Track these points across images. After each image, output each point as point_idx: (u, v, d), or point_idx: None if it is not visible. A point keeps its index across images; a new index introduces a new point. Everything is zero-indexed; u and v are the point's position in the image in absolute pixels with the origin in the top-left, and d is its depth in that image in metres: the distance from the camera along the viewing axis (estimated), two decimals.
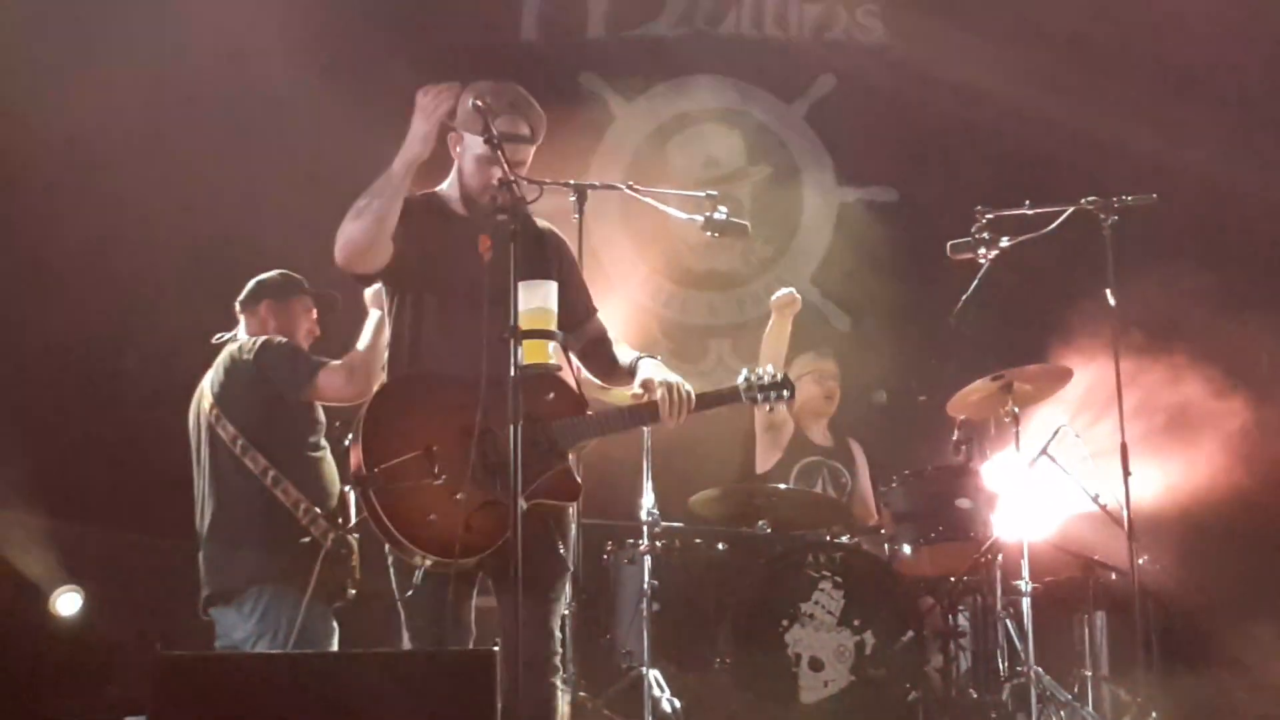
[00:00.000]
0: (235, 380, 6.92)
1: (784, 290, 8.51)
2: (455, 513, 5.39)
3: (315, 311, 7.40)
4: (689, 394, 5.78)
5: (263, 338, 7.03)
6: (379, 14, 9.79)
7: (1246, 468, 8.78)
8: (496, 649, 4.91)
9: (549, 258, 5.81)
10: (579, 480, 5.66)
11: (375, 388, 6.02)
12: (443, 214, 5.79)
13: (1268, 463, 8.68)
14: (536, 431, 5.48)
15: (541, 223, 5.95)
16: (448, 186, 5.90)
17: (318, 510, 6.73)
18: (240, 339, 7.12)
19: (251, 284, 7.30)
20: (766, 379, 5.97)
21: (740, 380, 6.00)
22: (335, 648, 6.73)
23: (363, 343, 6.72)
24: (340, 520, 6.76)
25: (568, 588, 5.91)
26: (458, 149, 5.83)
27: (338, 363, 6.84)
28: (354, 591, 6.80)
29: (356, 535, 6.69)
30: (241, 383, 6.91)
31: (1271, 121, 9.26)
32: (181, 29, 9.38)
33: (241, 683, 4.66)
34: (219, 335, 7.22)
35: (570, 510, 5.88)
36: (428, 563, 5.51)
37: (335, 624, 6.83)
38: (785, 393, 6.06)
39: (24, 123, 8.81)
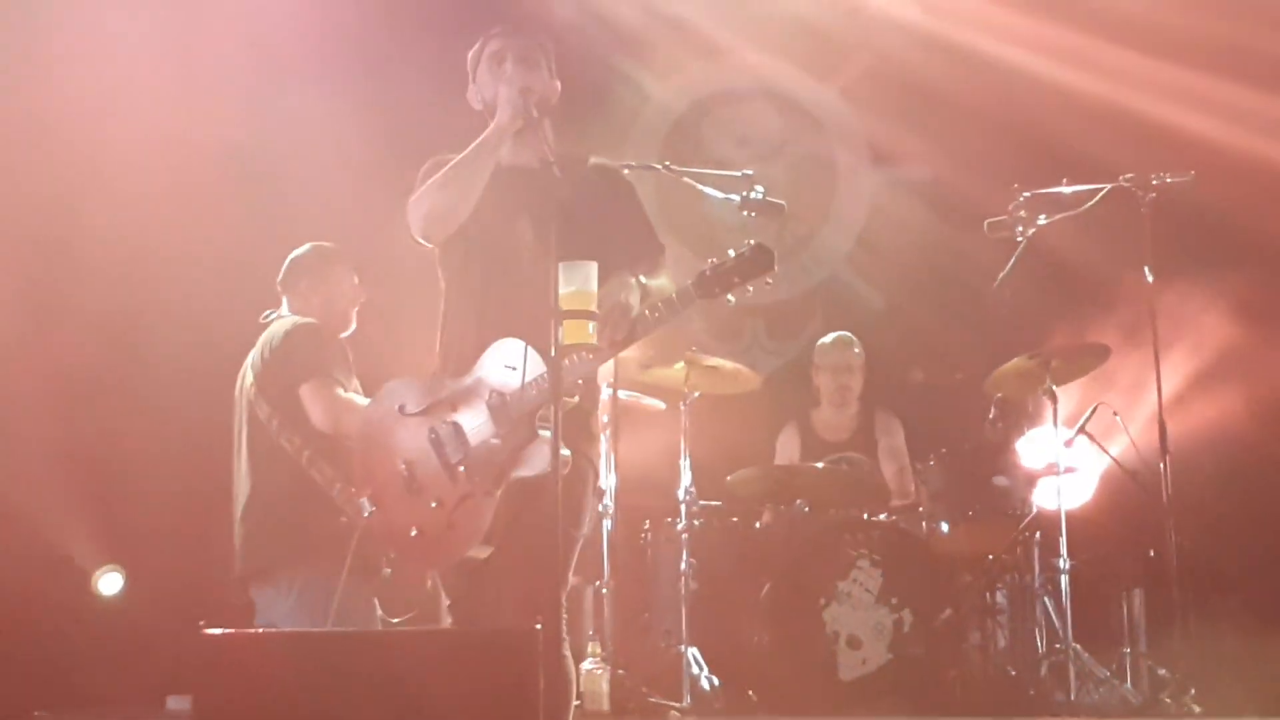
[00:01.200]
0: (271, 360, 6.95)
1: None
2: (437, 518, 5.41)
3: (357, 277, 7.42)
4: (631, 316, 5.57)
5: (295, 321, 7.07)
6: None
7: None
8: (539, 626, 4.92)
9: (600, 206, 5.69)
10: (554, 447, 5.16)
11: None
12: (503, 186, 5.69)
13: None
14: (493, 408, 5.42)
15: (594, 159, 5.85)
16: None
17: (353, 489, 6.64)
18: (285, 316, 7.16)
19: (287, 262, 7.33)
20: (729, 260, 5.46)
21: (691, 279, 5.52)
22: (377, 625, 6.72)
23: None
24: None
25: (573, 561, 5.81)
26: (479, 100, 5.77)
27: (332, 391, 6.90)
28: (389, 570, 6.76)
29: None
30: (276, 363, 6.94)
31: None
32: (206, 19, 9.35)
33: (285, 661, 4.62)
34: (267, 313, 7.24)
35: (583, 483, 5.69)
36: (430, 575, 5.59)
37: (375, 601, 6.81)
38: (762, 273, 5.46)
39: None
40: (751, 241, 5.48)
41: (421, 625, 6.25)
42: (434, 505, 5.40)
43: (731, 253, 5.46)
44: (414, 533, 5.45)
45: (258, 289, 7.37)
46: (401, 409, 5.61)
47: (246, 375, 7.13)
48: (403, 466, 5.48)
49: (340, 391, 6.90)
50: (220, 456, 7.11)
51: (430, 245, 5.69)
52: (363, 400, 6.87)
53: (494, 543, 5.38)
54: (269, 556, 6.80)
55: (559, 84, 5.75)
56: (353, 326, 7.39)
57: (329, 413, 6.83)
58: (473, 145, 5.58)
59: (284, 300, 7.27)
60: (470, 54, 5.79)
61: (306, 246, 7.37)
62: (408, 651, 4.69)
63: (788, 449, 8.98)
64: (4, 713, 7.74)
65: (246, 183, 9.19)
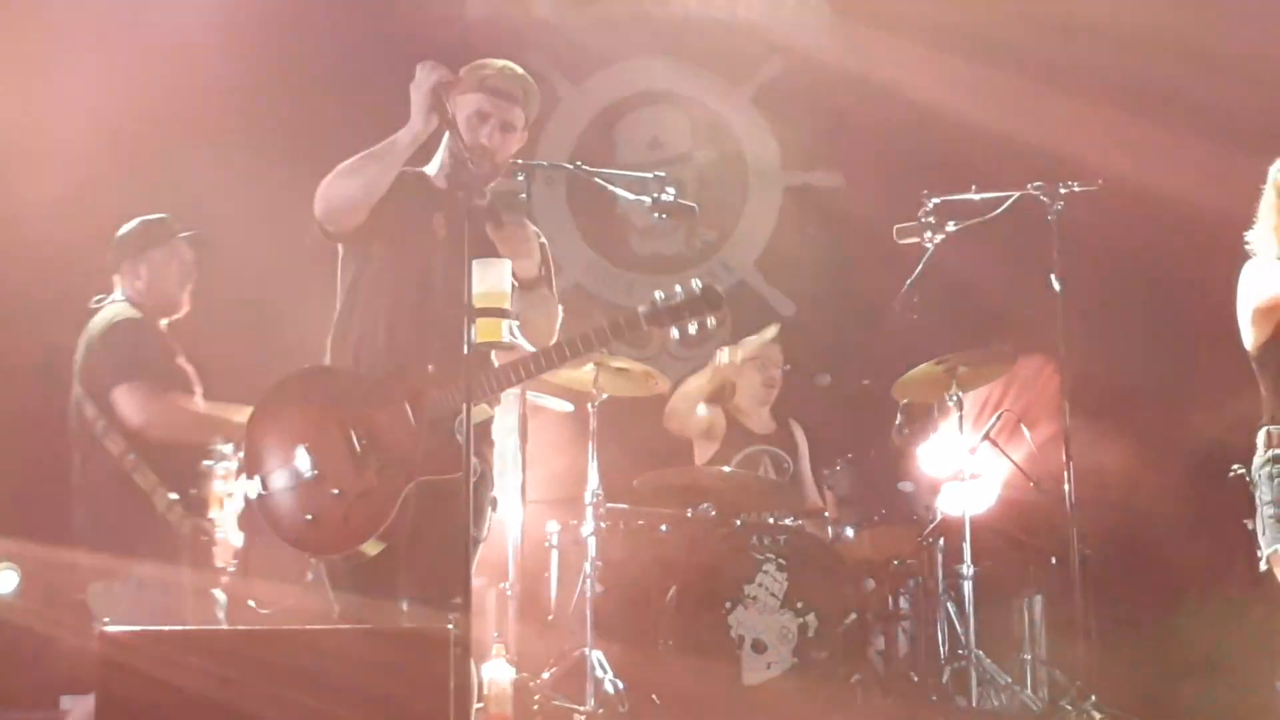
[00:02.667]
0: (89, 359, 6.83)
1: (721, 353, 8.53)
2: (333, 507, 5.43)
3: (190, 253, 7.12)
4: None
5: (111, 318, 6.86)
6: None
7: (1180, 455, 8.85)
8: (451, 628, 4.90)
9: (508, 228, 5.72)
10: (462, 449, 5.21)
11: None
12: (419, 189, 5.74)
13: (1200, 449, 8.73)
14: (414, 407, 5.44)
15: (509, 186, 5.91)
16: (433, 166, 5.84)
17: (174, 496, 6.59)
18: (110, 304, 6.96)
19: (112, 242, 7.10)
20: (680, 297, 5.60)
21: (643, 307, 5.66)
22: (224, 624, 6.65)
23: (202, 404, 6.82)
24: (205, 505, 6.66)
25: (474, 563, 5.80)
26: (451, 114, 5.71)
27: (147, 393, 6.70)
28: (233, 568, 6.71)
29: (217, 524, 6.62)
30: (93, 363, 6.81)
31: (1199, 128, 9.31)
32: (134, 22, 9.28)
33: (188, 658, 4.55)
34: (97, 298, 7.03)
35: (485, 487, 5.75)
36: (317, 563, 5.65)
37: (223, 598, 6.76)
38: (710, 314, 5.63)
39: None
40: (699, 284, 5.65)
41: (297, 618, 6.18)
42: (335, 493, 5.41)
43: (679, 289, 5.62)
44: (308, 518, 5.45)
45: None
46: (307, 396, 5.61)
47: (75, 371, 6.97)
48: (305, 453, 5.46)
49: (159, 392, 6.74)
50: None
51: (331, 231, 5.69)
52: (197, 399, 6.90)
53: (386, 540, 5.39)
54: (106, 552, 6.64)
55: (522, 138, 5.87)
56: (183, 309, 7.13)
57: (143, 414, 6.66)
58: (386, 141, 5.58)
59: (115, 283, 7.05)
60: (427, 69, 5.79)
61: (133, 222, 7.11)
62: (315, 650, 4.66)
63: (698, 444, 8.95)
64: None
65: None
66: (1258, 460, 6.07)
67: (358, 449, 5.43)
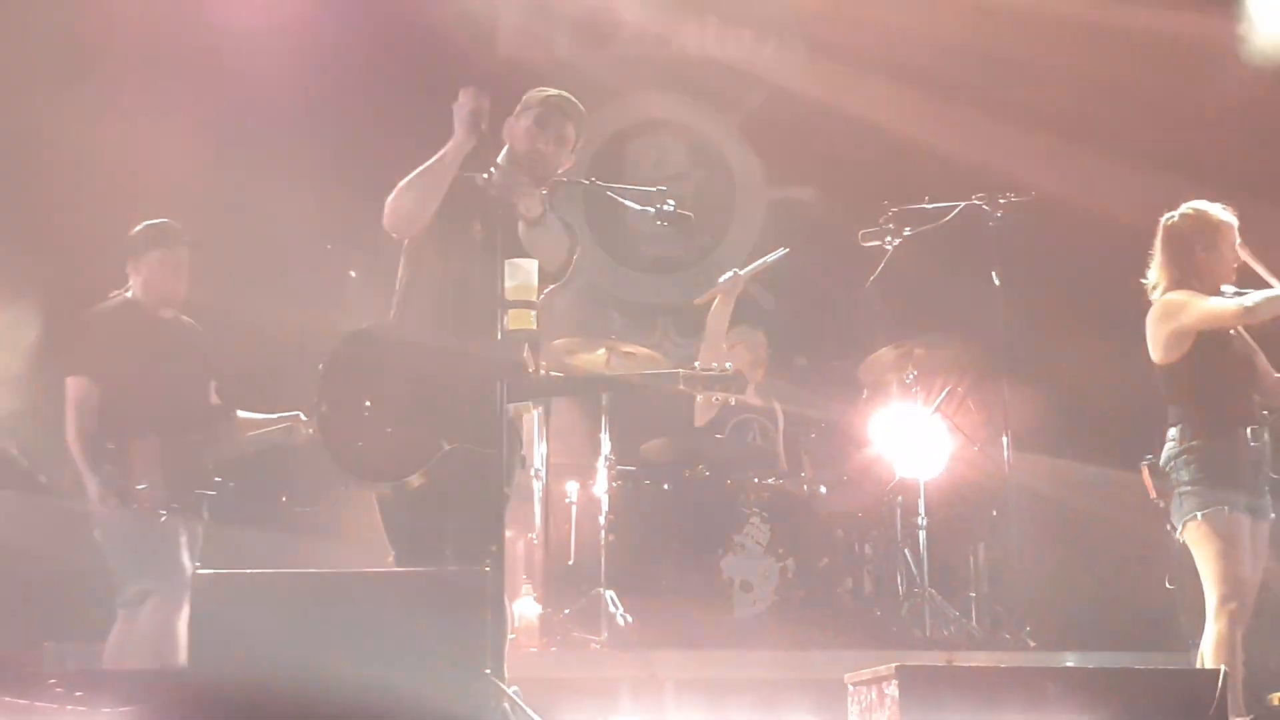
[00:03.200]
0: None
1: (729, 273, 8.51)
2: (382, 441, 5.40)
3: (186, 254, 6.89)
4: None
5: (88, 313, 6.83)
6: (367, 37, 9.63)
7: (1100, 424, 8.82)
8: (488, 568, 4.92)
9: (537, 231, 5.68)
10: (500, 418, 5.36)
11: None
12: (465, 195, 5.68)
13: (1117, 421, 8.70)
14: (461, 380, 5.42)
15: (537, 197, 5.91)
16: (486, 173, 5.77)
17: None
18: (117, 296, 6.86)
19: (124, 242, 6.93)
20: (715, 372, 5.71)
21: (684, 372, 5.72)
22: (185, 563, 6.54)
23: None
24: None
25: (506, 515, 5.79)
26: (507, 131, 5.82)
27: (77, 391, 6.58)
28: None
29: None
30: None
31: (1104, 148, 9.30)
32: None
33: (271, 599, 4.59)
34: (114, 293, 6.88)
35: (513, 452, 5.72)
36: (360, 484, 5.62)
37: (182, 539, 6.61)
38: (738, 390, 5.86)
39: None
40: (730, 366, 5.77)
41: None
42: (388, 430, 5.40)
43: (715, 366, 5.75)
44: (360, 444, 5.44)
45: None
46: (376, 349, 5.57)
47: None
48: (367, 393, 5.46)
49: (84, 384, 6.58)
50: None
51: (398, 237, 5.66)
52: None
53: (427, 479, 5.38)
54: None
55: (570, 157, 5.93)
56: (179, 301, 6.89)
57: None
58: (435, 157, 5.59)
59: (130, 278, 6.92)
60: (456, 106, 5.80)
61: (143, 225, 6.91)
62: (369, 589, 4.68)
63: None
64: None
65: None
66: (1171, 450, 6.07)
67: (412, 401, 5.44)
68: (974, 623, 8.24)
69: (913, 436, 8.28)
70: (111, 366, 6.57)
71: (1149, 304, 6.35)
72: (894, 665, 5.29)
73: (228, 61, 9.21)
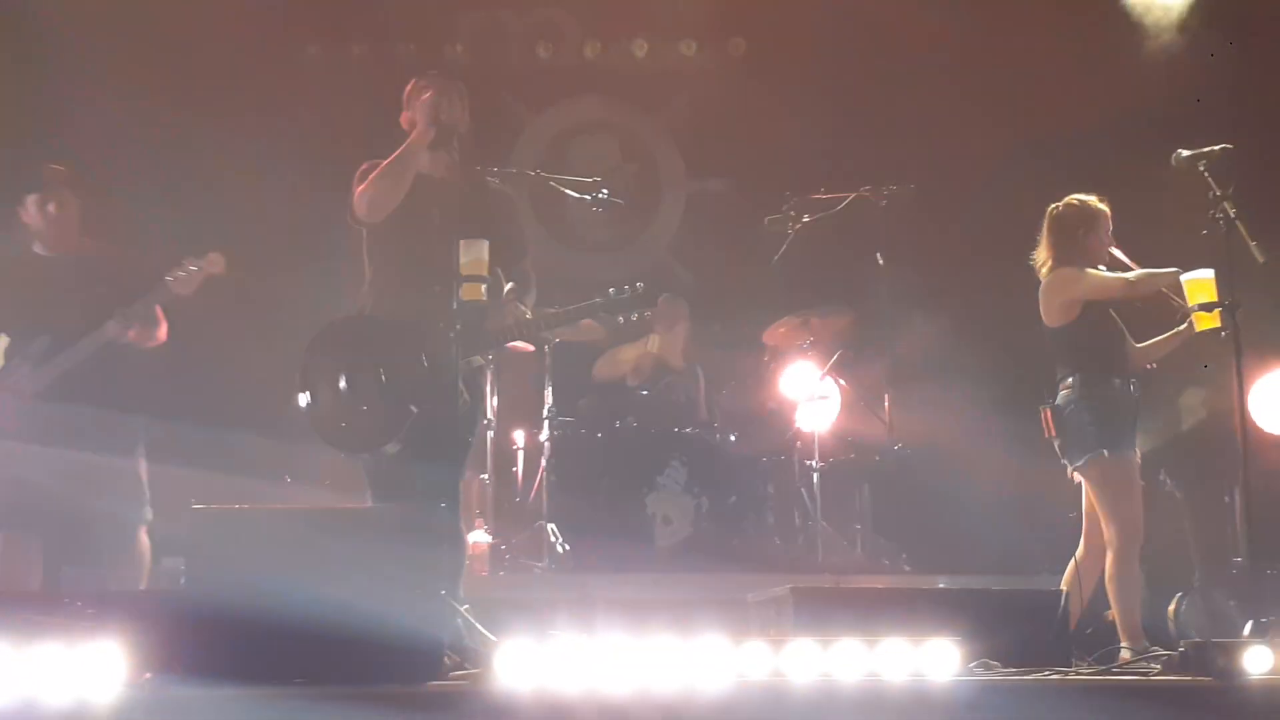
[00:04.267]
0: None
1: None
2: (361, 418, 5.41)
3: (51, 204, 6.32)
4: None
5: None
6: (350, 53, 9.53)
7: (971, 380, 8.87)
8: (444, 505, 4.95)
9: (490, 210, 5.71)
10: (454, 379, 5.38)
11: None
12: (420, 186, 5.62)
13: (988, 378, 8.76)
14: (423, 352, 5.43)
15: (492, 176, 5.91)
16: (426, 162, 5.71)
17: None
18: None
19: None
20: (626, 294, 5.64)
21: (599, 298, 5.67)
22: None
23: None
24: None
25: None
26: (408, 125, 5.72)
27: None
28: None
29: None
30: None
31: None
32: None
33: (259, 531, 4.54)
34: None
35: (473, 411, 5.76)
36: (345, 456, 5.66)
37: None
38: (645, 309, 5.72)
39: None
40: (639, 284, 5.62)
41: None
42: (363, 409, 5.40)
43: (627, 288, 5.59)
44: (343, 425, 5.46)
45: None
46: (348, 337, 5.56)
47: None
48: (344, 379, 5.43)
49: None
50: None
51: (369, 223, 5.59)
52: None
53: (402, 444, 5.39)
54: None
55: (466, 115, 5.72)
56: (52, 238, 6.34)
57: None
58: (399, 150, 5.58)
59: None
60: (406, 90, 5.76)
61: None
62: (345, 523, 4.68)
63: (618, 371, 8.94)
64: None
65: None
66: (1069, 397, 6.12)
67: (382, 379, 5.44)
68: (859, 551, 8.31)
69: (809, 393, 8.33)
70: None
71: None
72: (789, 587, 5.37)
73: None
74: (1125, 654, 5.84)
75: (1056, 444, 6.20)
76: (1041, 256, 6.29)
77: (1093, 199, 6.21)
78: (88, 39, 8.63)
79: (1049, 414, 6.19)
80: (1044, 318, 6.25)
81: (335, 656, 4.14)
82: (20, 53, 8.54)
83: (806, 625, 4.98)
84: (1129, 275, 6.05)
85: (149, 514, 6.27)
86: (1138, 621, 5.95)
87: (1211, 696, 4.35)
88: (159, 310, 6.33)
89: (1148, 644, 5.90)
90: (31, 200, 6.33)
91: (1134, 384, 6.15)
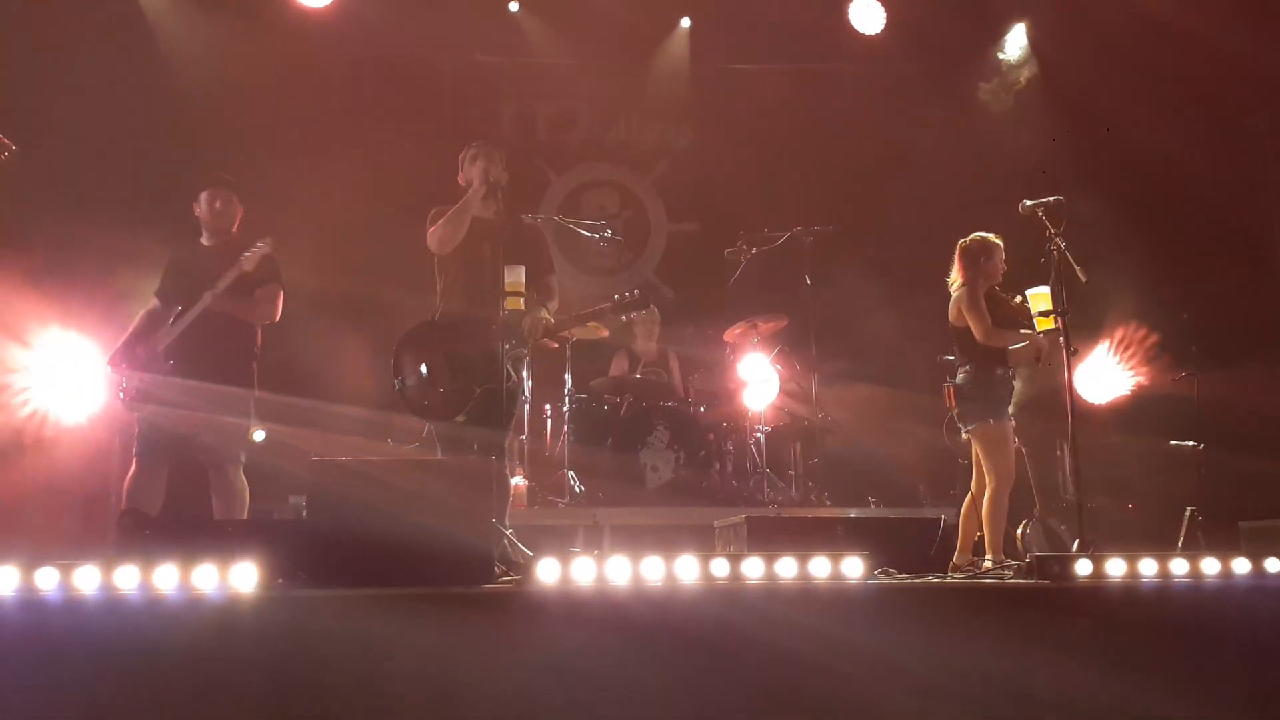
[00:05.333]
0: None
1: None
2: (438, 397, 5.44)
3: (218, 201, 6.09)
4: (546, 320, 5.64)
5: None
6: (390, 124, 9.30)
7: (877, 369, 8.88)
8: (494, 458, 4.95)
9: (526, 243, 5.72)
10: (501, 368, 5.39)
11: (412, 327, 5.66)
12: (475, 226, 5.63)
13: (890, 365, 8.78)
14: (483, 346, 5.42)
15: (527, 218, 5.94)
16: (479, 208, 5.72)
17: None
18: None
19: None
20: (628, 298, 5.71)
21: (608, 301, 5.74)
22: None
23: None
24: None
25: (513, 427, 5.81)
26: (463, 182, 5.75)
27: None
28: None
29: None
30: None
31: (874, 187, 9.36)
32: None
33: (359, 478, 4.46)
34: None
35: (517, 389, 5.71)
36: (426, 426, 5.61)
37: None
38: (641, 309, 5.85)
39: None
40: (637, 291, 5.70)
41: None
42: (440, 390, 5.41)
43: (632, 292, 5.67)
44: (426, 403, 5.47)
45: None
46: (428, 335, 5.57)
47: None
48: (424, 367, 5.45)
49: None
50: None
51: (438, 254, 5.62)
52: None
53: (467, 417, 5.39)
54: None
55: (507, 174, 5.73)
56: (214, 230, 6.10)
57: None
58: (460, 202, 5.59)
59: None
60: (460, 156, 5.77)
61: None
62: (425, 471, 4.66)
63: (620, 363, 8.95)
64: None
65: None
66: (966, 378, 6.13)
67: (452, 366, 5.44)
68: (793, 491, 8.33)
69: (757, 377, 8.33)
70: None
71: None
72: (744, 516, 5.38)
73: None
74: (987, 563, 5.85)
75: (954, 412, 6.20)
76: (954, 276, 6.27)
77: (991, 235, 6.19)
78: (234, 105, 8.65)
79: (951, 390, 6.21)
80: (951, 320, 6.24)
81: (415, 566, 4.15)
82: (179, 104, 8.54)
83: (757, 545, 4.99)
84: (992, 329, 6.01)
85: (243, 457, 5.97)
86: (1001, 541, 5.96)
87: (1049, 595, 4.37)
88: (279, 295, 6.04)
89: (1004, 557, 5.92)
90: (204, 195, 6.08)
91: (1011, 372, 6.16)
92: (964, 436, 6.21)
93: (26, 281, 6.72)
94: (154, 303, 6.08)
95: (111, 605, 3.87)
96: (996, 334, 6.00)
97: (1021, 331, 5.94)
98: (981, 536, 6.06)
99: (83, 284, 7.04)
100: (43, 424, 6.58)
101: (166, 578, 3.96)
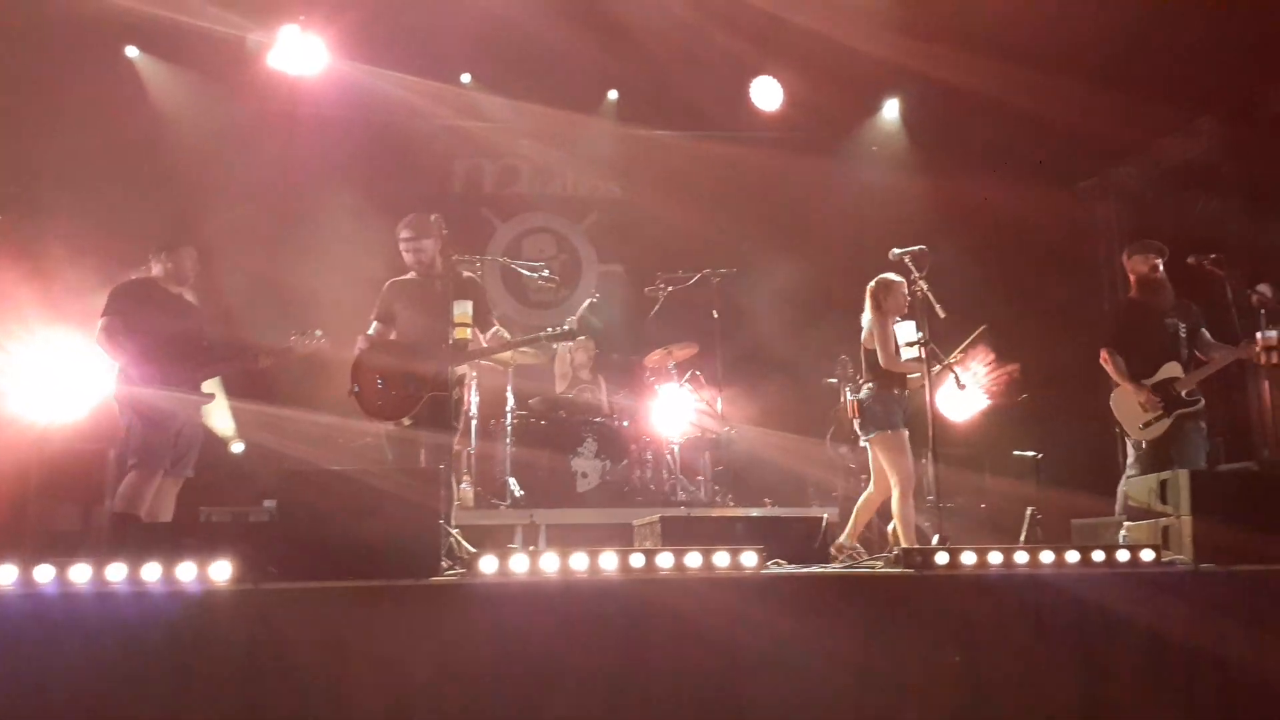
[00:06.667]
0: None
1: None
2: (390, 401, 5.41)
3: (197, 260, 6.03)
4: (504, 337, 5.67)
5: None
6: (358, 176, 9.05)
7: (777, 389, 8.96)
8: (442, 467, 4.91)
9: (468, 290, 5.71)
10: (448, 387, 5.38)
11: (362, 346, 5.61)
12: (414, 281, 5.68)
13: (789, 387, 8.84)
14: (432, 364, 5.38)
15: (466, 274, 5.91)
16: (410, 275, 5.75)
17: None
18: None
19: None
20: (559, 331, 5.73)
21: (542, 333, 5.77)
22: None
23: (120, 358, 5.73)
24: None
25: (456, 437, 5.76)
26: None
27: (105, 323, 5.69)
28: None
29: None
30: None
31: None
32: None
33: (322, 483, 4.45)
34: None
35: (460, 402, 5.63)
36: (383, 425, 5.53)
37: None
38: (570, 340, 5.86)
39: None
40: (568, 325, 5.72)
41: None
42: (393, 394, 5.37)
43: (562, 327, 5.67)
44: (379, 403, 5.42)
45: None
46: (383, 354, 5.53)
47: None
48: (379, 378, 5.41)
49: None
50: None
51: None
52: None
53: (414, 420, 5.34)
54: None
55: (445, 234, 5.68)
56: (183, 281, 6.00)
57: (110, 343, 5.73)
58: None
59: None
60: (396, 229, 5.74)
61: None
62: (375, 479, 4.60)
63: (559, 384, 8.91)
64: None
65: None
66: (869, 394, 6.05)
67: (404, 377, 5.40)
68: (702, 494, 8.33)
69: (672, 398, 8.35)
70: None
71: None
72: (659, 516, 5.39)
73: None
74: (853, 553, 5.87)
75: (857, 423, 6.16)
76: (868, 314, 6.23)
77: (892, 275, 6.06)
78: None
79: (856, 404, 6.16)
80: (864, 345, 6.21)
81: (371, 561, 4.11)
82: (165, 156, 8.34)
83: (670, 541, 5.01)
84: (892, 356, 5.94)
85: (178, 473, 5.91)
86: (913, 533, 5.86)
87: (913, 582, 4.42)
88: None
89: (863, 552, 5.95)
90: (192, 252, 5.98)
91: (905, 391, 6.08)
92: (863, 444, 6.19)
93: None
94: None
95: (102, 598, 3.79)
96: (896, 362, 5.98)
97: (915, 361, 5.94)
98: (869, 525, 6.09)
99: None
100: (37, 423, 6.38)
101: (151, 573, 3.88)
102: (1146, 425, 6.37)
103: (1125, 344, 6.54)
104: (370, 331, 5.62)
